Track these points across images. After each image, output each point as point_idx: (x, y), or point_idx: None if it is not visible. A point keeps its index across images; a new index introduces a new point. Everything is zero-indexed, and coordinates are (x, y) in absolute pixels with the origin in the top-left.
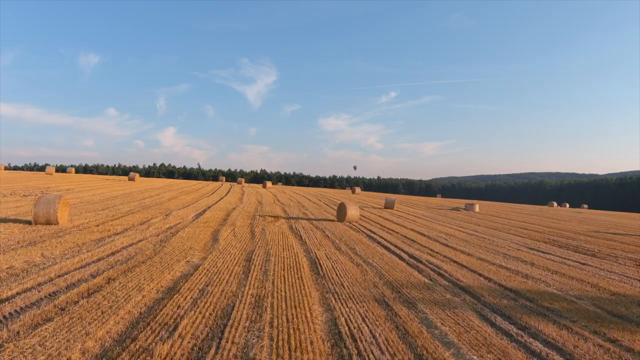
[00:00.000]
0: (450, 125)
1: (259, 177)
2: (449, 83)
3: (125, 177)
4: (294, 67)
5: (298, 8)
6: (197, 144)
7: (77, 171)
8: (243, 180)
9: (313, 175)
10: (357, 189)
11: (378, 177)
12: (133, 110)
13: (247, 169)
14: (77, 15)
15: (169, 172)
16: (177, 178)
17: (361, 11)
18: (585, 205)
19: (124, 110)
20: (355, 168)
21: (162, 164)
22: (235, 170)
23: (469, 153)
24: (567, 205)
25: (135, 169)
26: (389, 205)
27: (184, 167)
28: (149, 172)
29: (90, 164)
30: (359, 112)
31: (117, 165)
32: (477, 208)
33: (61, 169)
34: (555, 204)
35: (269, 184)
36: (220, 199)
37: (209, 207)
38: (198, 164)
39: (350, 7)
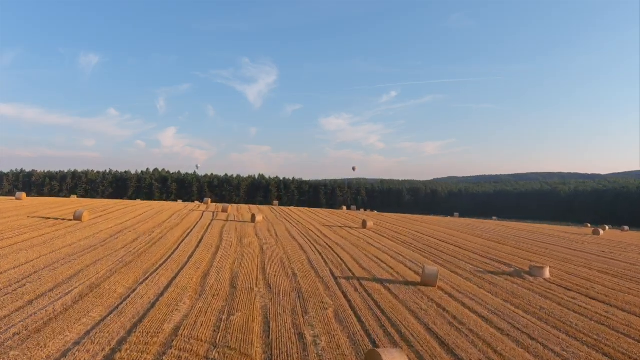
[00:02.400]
0: (451, 125)
1: (256, 184)
2: (449, 82)
3: (78, 206)
4: (295, 67)
5: (298, 8)
6: (198, 144)
7: (56, 184)
8: (230, 207)
9: (313, 179)
10: (370, 222)
11: (381, 181)
12: (133, 110)
13: (247, 172)
14: (77, 15)
15: (162, 179)
16: (171, 185)
17: (361, 11)
18: (627, 227)
19: (124, 110)
20: (354, 169)
21: (156, 169)
22: (232, 175)
23: (469, 153)
24: (607, 227)
25: (128, 174)
26: (428, 281)
27: (179, 172)
28: (140, 179)
29: (80, 170)
30: (360, 112)
31: (108, 171)
32: (546, 273)
33: (45, 172)
34: (600, 231)
35: (259, 217)
36: (178, 274)
37: (141, 319)
38: (196, 167)
39: (350, 7)
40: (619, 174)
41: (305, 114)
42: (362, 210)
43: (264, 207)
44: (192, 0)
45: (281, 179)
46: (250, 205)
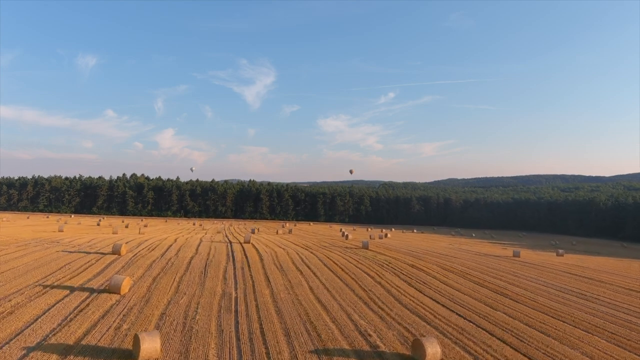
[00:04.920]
0: (449, 126)
1: (245, 192)
2: (448, 83)
3: None
4: (293, 68)
5: (297, 8)
6: (196, 145)
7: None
8: (126, 281)
9: (312, 180)
10: (433, 347)
11: (384, 186)
12: (132, 111)
13: (242, 175)
14: (75, 16)
15: (138, 186)
16: (147, 193)
17: (361, 11)
18: None
19: (122, 111)
20: (351, 172)
21: (134, 174)
22: (218, 182)
23: (469, 153)
24: None
25: (100, 180)
26: None
27: (159, 177)
28: (113, 187)
29: (46, 176)
30: (358, 113)
31: (76, 177)
32: None
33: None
34: None
35: (149, 344)
36: None
37: None
38: (191, 169)
39: (350, 7)
40: (622, 175)
41: (303, 115)
42: (369, 228)
43: (222, 252)
44: (190, 1)
45: (274, 185)
46: (201, 235)
